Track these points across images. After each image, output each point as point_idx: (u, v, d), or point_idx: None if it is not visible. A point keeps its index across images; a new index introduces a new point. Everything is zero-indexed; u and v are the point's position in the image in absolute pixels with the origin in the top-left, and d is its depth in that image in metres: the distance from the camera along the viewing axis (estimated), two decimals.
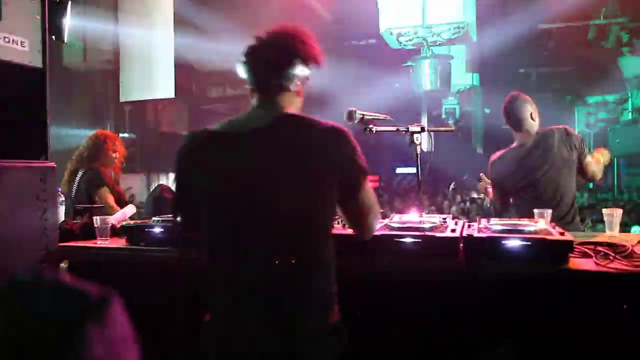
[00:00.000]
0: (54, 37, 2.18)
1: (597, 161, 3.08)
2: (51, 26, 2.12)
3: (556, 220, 2.50)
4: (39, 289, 0.64)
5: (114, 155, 3.62)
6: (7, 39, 1.93)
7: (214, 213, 1.42)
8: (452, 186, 8.85)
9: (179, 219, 1.58)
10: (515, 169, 3.02)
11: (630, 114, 9.84)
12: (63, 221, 2.48)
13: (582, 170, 3.02)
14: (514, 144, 3.10)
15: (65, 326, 0.61)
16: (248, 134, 1.40)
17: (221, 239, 1.41)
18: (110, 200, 3.43)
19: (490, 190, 3.18)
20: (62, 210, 2.56)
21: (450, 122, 8.89)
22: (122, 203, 3.50)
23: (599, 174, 3.10)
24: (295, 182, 1.36)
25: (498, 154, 3.15)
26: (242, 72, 1.48)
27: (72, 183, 3.48)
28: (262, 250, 1.35)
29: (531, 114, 3.01)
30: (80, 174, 3.50)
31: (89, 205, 2.61)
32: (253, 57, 1.46)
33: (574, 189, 3.08)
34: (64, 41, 2.28)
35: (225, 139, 1.43)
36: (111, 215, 3.26)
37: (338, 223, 2.14)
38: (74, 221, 2.55)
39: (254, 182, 1.36)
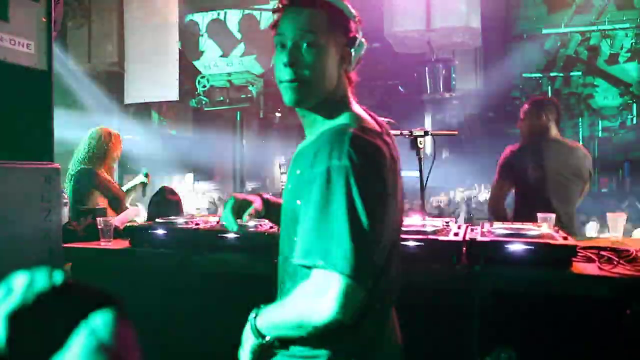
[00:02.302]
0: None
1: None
2: None
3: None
4: (42, 290, 0.65)
5: (116, 154, 3.53)
6: (12, 41, 1.94)
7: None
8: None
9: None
10: (534, 161, 3.09)
11: (634, 119, 9.81)
12: (67, 222, 2.49)
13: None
14: (527, 142, 3.17)
15: (67, 328, 0.61)
16: None
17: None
18: (102, 204, 3.24)
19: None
20: (65, 211, 2.57)
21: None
22: (119, 201, 3.41)
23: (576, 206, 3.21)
24: None
25: (513, 148, 3.21)
26: None
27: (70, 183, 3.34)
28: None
29: (556, 119, 3.15)
30: (74, 174, 3.35)
31: (92, 207, 2.62)
32: None
33: (575, 203, 3.14)
34: None
35: None
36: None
37: None
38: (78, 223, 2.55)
39: None
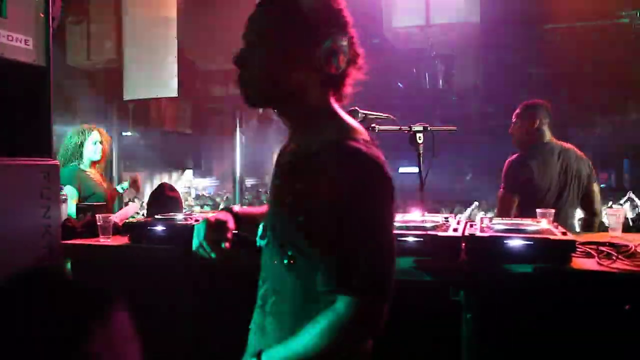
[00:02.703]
0: None
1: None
2: None
3: None
4: (41, 286, 0.65)
5: (94, 147, 3.40)
6: (10, 37, 1.93)
7: None
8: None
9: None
10: (544, 172, 3.05)
11: (634, 114, 9.79)
12: (66, 219, 2.49)
13: (587, 197, 3.09)
14: (530, 151, 3.11)
15: (67, 324, 0.61)
16: None
17: None
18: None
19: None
20: (64, 208, 2.57)
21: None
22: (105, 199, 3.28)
23: (600, 209, 3.14)
24: None
25: (514, 158, 3.15)
26: None
27: None
28: None
29: (548, 122, 3.11)
30: None
31: (91, 204, 2.62)
32: None
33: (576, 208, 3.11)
34: None
35: None
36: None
37: None
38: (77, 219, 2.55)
39: None
